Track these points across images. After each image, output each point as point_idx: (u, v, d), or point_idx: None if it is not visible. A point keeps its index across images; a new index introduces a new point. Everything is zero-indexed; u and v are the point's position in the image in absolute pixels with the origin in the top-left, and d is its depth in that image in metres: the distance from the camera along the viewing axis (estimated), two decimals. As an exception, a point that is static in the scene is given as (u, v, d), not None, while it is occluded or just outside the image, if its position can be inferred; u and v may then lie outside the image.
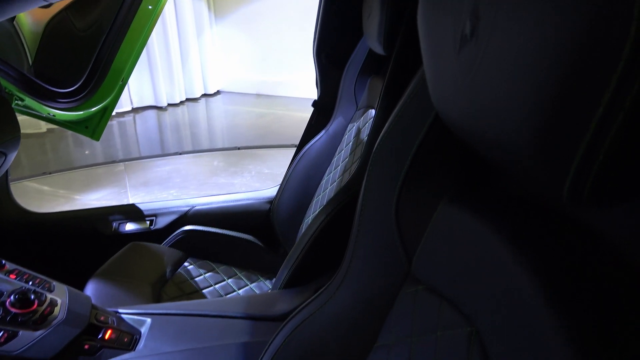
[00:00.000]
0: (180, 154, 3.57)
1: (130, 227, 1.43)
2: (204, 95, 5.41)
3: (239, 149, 3.63)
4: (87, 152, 3.68)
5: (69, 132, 4.06)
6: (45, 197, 2.82)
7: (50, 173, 3.15)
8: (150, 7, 1.37)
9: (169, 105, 5.00)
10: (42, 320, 0.73)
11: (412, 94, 0.52)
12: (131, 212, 1.45)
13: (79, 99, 1.46)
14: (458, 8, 0.32)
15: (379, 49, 1.00)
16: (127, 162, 3.39)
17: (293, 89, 5.17)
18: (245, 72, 5.44)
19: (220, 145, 3.82)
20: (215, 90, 5.52)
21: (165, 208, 1.46)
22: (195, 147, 3.78)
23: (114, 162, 3.39)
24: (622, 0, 0.19)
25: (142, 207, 1.46)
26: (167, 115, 4.76)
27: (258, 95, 5.39)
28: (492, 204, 0.42)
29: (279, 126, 4.23)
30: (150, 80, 4.84)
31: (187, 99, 5.22)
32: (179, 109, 4.96)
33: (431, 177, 0.49)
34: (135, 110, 4.83)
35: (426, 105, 0.49)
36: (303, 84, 5.04)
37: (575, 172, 0.23)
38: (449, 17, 0.34)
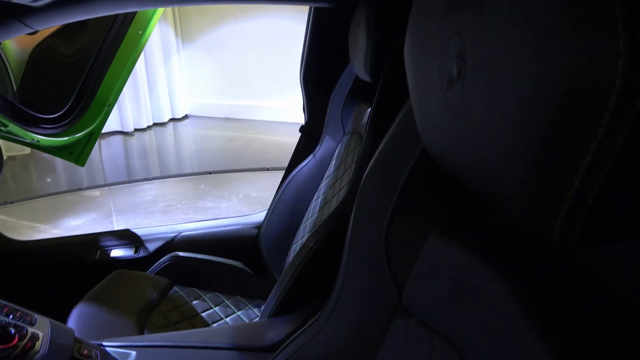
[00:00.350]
0: (148, 180, 3.48)
1: (115, 254, 1.40)
2: (172, 119, 5.38)
3: (210, 173, 3.57)
4: (48, 180, 3.56)
5: (31, 159, 3.96)
6: (6, 227, 2.70)
7: (12, 202, 3.03)
8: (140, 32, 1.38)
9: (136, 130, 4.95)
10: (22, 355, 0.70)
11: (400, 125, 0.52)
12: (116, 238, 1.42)
13: (64, 124, 1.45)
14: (444, 50, 0.33)
15: (365, 77, 1.01)
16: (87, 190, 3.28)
17: (263, 112, 5.20)
18: (214, 96, 5.47)
19: (189, 170, 3.74)
20: (184, 115, 5.50)
21: (152, 234, 1.44)
22: (164, 173, 3.69)
23: (80, 189, 3.29)
24: (607, 45, 0.20)
25: (127, 233, 1.44)
26: (134, 141, 4.69)
27: (227, 119, 5.37)
28: (483, 237, 0.43)
29: (251, 150, 4.20)
30: (116, 105, 4.81)
31: (155, 124, 5.16)
32: (146, 134, 4.90)
33: (420, 209, 0.50)
34: (101, 135, 4.68)
35: (414, 138, 0.49)
36: (273, 108, 5.10)
37: (565, 216, 0.23)
38: (435, 57, 0.35)
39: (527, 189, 0.25)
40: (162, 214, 2.89)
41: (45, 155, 3.66)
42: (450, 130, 0.33)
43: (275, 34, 4.84)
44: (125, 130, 4.87)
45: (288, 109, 4.94)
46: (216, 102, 5.45)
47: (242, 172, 3.53)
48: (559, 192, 0.23)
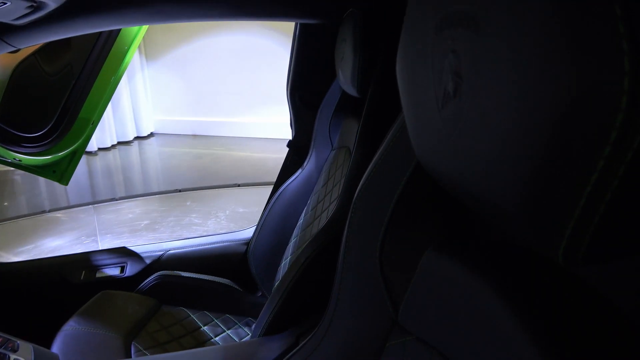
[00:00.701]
0: (116, 200, 3.36)
1: (100, 274, 1.37)
2: (137, 137, 5.30)
3: (179, 191, 3.47)
4: (5, 204, 3.36)
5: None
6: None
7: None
8: (126, 47, 1.37)
9: (100, 149, 4.86)
10: None
11: (393, 141, 0.52)
12: (101, 258, 1.39)
13: (46, 143, 1.43)
14: (439, 66, 0.33)
15: (352, 91, 1.02)
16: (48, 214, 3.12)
17: (232, 128, 5.18)
18: (180, 113, 5.43)
19: (156, 189, 3.62)
20: (149, 133, 5.43)
21: (137, 253, 1.42)
22: (130, 192, 3.57)
23: (44, 212, 3.13)
24: (611, 62, 0.20)
25: (112, 253, 1.41)
26: (98, 160, 4.59)
27: (195, 136, 5.31)
28: (479, 252, 0.42)
29: (220, 166, 4.11)
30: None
31: (119, 142, 5.08)
32: (110, 153, 4.80)
33: (415, 225, 0.49)
34: (63, 156, 4.61)
35: (407, 153, 0.49)
36: (242, 124, 5.10)
37: (570, 236, 0.23)
38: (430, 73, 0.35)
39: (529, 206, 0.25)
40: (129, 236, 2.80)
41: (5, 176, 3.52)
42: (447, 146, 0.33)
43: (242, 51, 4.87)
44: (88, 149, 4.76)
45: (257, 125, 4.96)
46: (183, 119, 5.41)
47: (213, 189, 3.43)
48: (564, 210, 0.22)
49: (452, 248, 0.45)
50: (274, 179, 1.45)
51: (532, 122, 0.23)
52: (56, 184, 3.73)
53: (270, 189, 1.44)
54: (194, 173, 3.96)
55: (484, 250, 0.43)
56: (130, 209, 3.21)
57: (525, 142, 0.24)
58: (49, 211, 3.17)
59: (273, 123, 4.78)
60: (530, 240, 0.27)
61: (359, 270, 0.54)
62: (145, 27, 1.45)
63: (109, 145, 4.94)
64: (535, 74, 0.23)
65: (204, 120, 5.32)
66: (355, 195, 0.56)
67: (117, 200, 3.36)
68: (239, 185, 3.43)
